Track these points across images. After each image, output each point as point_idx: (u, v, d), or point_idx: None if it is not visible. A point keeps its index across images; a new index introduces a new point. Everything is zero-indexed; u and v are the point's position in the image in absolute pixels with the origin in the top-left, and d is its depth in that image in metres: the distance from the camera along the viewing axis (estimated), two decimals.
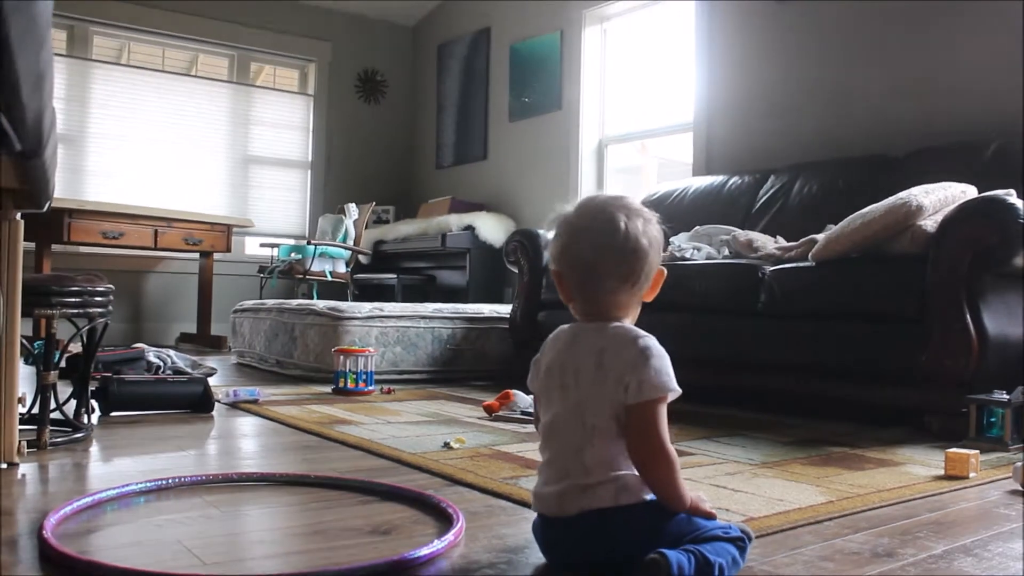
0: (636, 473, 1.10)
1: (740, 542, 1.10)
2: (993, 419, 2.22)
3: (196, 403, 2.51)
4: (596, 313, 1.17)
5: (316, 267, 5.20)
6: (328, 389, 3.19)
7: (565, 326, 1.20)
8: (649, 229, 1.16)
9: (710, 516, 1.13)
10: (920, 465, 1.93)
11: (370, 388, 3.15)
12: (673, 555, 1.00)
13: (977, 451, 1.85)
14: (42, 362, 1.88)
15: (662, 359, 1.11)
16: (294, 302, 3.99)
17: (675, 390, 1.10)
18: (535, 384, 1.21)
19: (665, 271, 1.19)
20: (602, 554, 1.09)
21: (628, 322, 1.17)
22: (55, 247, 4.82)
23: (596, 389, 1.11)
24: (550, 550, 1.15)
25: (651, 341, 1.12)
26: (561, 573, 1.12)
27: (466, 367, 3.86)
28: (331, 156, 6.45)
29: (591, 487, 1.09)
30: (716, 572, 1.03)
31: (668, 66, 4.87)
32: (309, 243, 5.21)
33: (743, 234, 3.25)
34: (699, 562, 1.02)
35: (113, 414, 2.40)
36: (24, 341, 1.75)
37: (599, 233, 1.14)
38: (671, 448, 1.10)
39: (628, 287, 1.15)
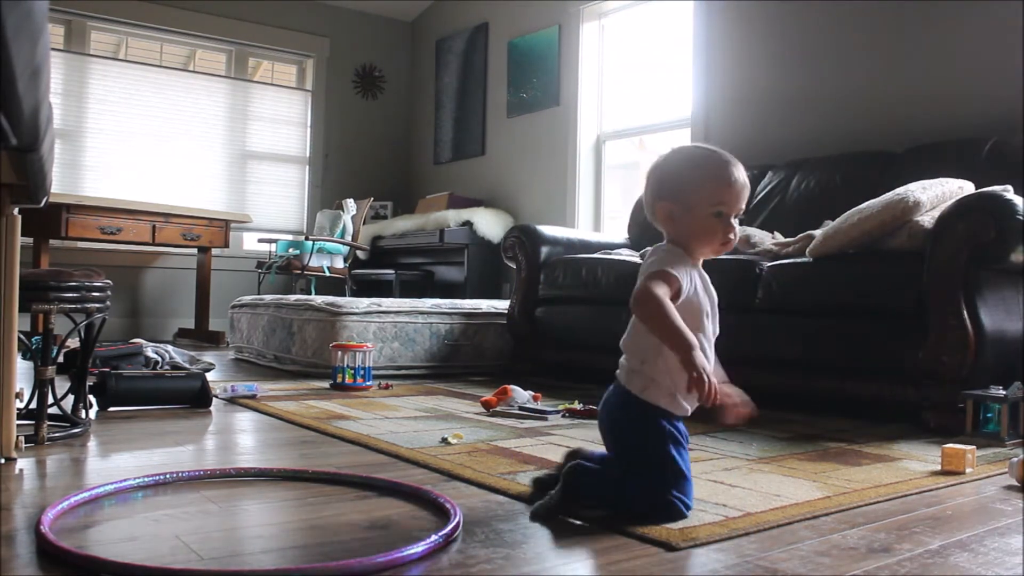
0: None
1: (666, 496, 1.31)
2: (990, 415, 2.23)
3: (194, 398, 2.50)
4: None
5: (314, 263, 5.19)
6: (326, 384, 3.19)
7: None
8: (662, 162, 1.44)
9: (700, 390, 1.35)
10: (917, 461, 1.93)
11: (368, 384, 3.15)
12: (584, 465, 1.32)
13: (973, 447, 1.85)
14: (40, 357, 1.88)
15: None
16: (292, 297, 3.98)
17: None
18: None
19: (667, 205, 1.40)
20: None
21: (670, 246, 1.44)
22: (53, 242, 4.82)
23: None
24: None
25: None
26: (558, 572, 1.12)
27: (464, 363, 3.86)
28: (329, 151, 6.44)
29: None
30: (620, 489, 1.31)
31: (666, 62, 4.86)
32: (307, 239, 5.21)
33: (740, 230, 3.25)
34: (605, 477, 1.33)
35: (111, 409, 2.40)
36: (22, 336, 1.75)
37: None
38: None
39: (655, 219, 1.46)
